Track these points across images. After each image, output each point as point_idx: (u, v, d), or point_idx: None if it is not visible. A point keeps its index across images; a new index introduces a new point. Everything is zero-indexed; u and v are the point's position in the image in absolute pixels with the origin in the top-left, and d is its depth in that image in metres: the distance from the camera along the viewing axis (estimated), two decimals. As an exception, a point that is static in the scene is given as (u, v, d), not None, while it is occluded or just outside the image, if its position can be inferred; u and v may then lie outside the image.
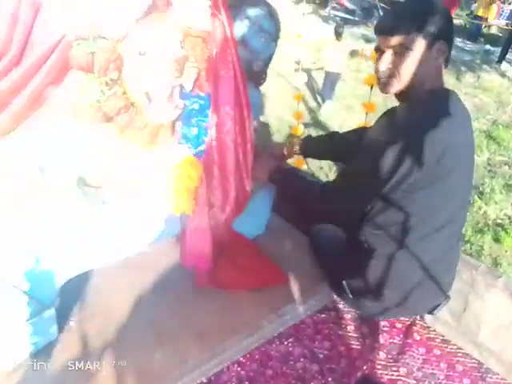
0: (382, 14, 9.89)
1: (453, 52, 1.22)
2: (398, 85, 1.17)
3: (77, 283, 1.25)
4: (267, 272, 1.43)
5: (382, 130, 1.29)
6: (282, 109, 4.12)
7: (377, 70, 1.20)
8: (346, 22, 8.37)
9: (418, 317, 1.36)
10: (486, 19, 9.21)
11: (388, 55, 1.16)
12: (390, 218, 1.19)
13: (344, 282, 1.31)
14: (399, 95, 1.23)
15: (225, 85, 1.32)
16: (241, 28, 1.35)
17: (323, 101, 4.84)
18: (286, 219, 1.75)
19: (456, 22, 10.27)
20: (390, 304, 1.25)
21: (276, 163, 1.53)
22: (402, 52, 1.13)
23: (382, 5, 10.51)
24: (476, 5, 9.53)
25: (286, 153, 1.62)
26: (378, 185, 1.15)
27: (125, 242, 1.22)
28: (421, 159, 1.06)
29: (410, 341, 1.28)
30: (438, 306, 1.25)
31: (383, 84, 1.20)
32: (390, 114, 1.32)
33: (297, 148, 1.61)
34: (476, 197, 3.14)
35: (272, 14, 1.42)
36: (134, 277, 1.36)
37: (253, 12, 1.37)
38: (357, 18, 10.05)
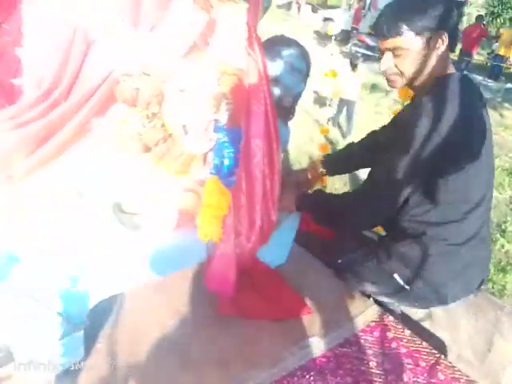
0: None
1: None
2: (403, 81, 1.21)
3: (104, 304, 1.28)
4: (291, 302, 1.44)
5: (403, 122, 1.30)
6: (300, 139, 4.19)
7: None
8: (367, 57, 8.56)
9: (442, 356, 1.35)
10: (508, 58, 9.30)
11: (388, 56, 1.20)
12: (426, 207, 1.21)
13: (396, 275, 1.28)
14: (411, 86, 1.26)
15: (256, 119, 1.39)
16: (274, 67, 1.42)
17: (342, 130, 4.97)
18: (308, 250, 1.77)
19: (477, 60, 10.39)
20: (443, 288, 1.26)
21: (302, 191, 1.57)
22: (399, 52, 1.17)
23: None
24: (497, 44, 9.65)
25: (310, 177, 1.65)
26: (410, 174, 1.16)
27: (155, 265, 1.26)
28: (444, 141, 1.09)
29: (434, 380, 1.26)
30: (483, 282, 1.27)
31: (389, 81, 1.25)
32: (406, 108, 1.37)
33: (321, 169, 1.64)
34: (498, 235, 3.09)
35: (304, 55, 1.49)
36: (160, 300, 1.38)
37: (286, 52, 1.44)
38: (377, 54, 10.26)
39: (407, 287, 1.29)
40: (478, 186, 1.20)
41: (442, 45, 1.16)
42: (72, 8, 1.01)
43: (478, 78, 8.72)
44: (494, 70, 9.58)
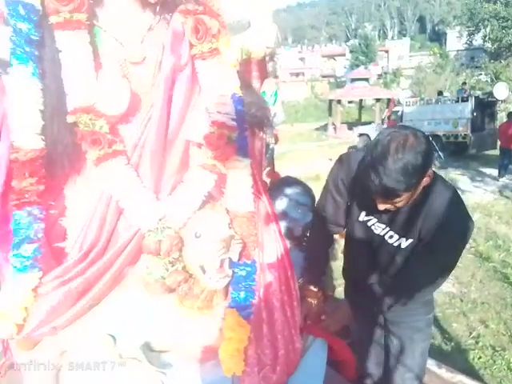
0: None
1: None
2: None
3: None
4: None
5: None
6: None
7: None
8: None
9: None
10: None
11: (385, 205, 1.44)
12: None
13: None
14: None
15: (269, 251, 1.53)
16: (281, 204, 1.62)
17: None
18: (344, 376, 1.73)
19: None
20: None
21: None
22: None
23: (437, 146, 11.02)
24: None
25: (313, 302, 1.73)
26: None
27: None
28: None
29: None
30: None
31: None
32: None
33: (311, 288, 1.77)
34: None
35: (307, 191, 1.69)
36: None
37: (290, 190, 1.65)
38: None
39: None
40: None
41: (430, 178, 1.42)
42: (106, 188, 1.29)
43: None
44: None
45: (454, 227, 1.43)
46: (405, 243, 1.57)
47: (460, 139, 12.54)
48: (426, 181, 1.41)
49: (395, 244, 1.58)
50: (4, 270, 1.27)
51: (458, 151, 12.64)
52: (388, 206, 1.44)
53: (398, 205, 1.43)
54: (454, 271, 4.47)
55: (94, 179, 1.30)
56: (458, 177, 9.72)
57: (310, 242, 1.89)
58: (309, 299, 1.73)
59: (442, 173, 9.50)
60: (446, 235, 1.43)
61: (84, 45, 1.23)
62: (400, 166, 1.31)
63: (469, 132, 12.25)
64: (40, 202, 1.23)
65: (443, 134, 12.83)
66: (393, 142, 1.33)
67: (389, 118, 14.84)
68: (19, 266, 1.21)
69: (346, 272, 1.89)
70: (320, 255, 1.80)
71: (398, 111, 14.78)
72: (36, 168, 1.20)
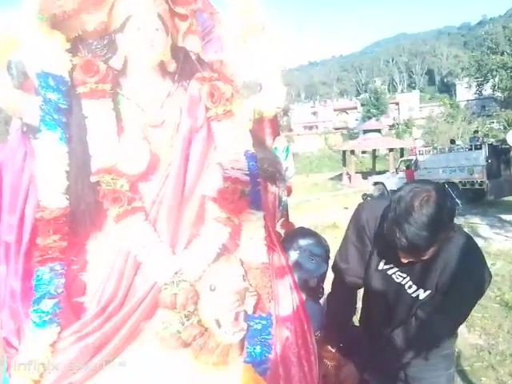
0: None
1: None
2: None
3: None
4: None
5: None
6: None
7: None
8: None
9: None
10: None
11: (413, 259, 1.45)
12: None
13: None
14: None
15: (284, 303, 1.53)
16: (294, 255, 1.64)
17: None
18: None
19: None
20: None
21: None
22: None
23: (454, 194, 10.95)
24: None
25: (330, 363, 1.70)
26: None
27: None
28: None
29: None
30: None
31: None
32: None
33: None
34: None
35: (320, 241, 1.72)
36: None
37: (303, 241, 1.68)
38: None
39: None
40: None
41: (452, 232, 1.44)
42: (125, 243, 1.34)
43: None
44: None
45: (471, 278, 1.43)
46: (423, 295, 1.56)
47: (477, 186, 12.46)
48: (449, 234, 1.42)
49: (413, 295, 1.57)
50: (24, 326, 1.30)
51: (475, 198, 12.53)
52: (412, 259, 1.45)
53: (423, 258, 1.43)
54: (480, 322, 4.29)
55: (114, 235, 1.36)
56: (477, 224, 9.54)
57: (330, 297, 1.86)
58: (326, 361, 1.68)
59: (461, 220, 9.40)
60: (462, 287, 1.42)
61: (108, 111, 1.35)
62: (425, 223, 1.31)
63: (485, 179, 12.19)
64: (62, 257, 1.29)
65: (459, 181, 12.79)
66: (416, 198, 1.33)
67: (407, 167, 14.93)
68: (38, 321, 1.24)
69: (363, 324, 1.85)
70: (340, 311, 1.77)
71: (412, 160, 14.89)
72: (60, 225, 1.27)
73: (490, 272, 1.51)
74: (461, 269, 1.44)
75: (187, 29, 1.52)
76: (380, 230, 1.51)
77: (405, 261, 1.45)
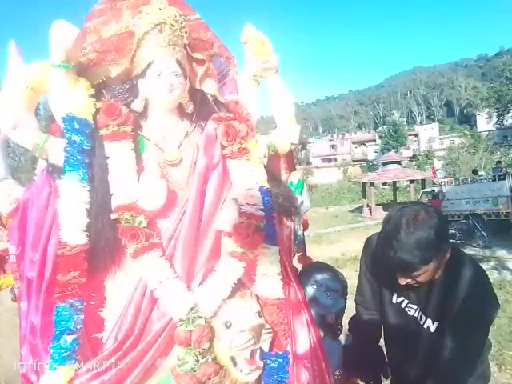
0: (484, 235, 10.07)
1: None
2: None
3: None
4: None
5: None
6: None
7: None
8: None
9: None
10: None
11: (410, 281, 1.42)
12: None
13: None
14: None
15: (301, 341, 1.51)
16: (311, 290, 1.62)
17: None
18: None
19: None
20: None
21: None
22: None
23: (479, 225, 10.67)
24: None
25: None
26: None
27: None
28: None
29: None
30: None
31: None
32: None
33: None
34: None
35: (337, 276, 1.70)
36: None
37: (320, 276, 1.66)
38: (458, 241, 10.19)
39: None
40: None
41: (448, 253, 1.40)
42: (142, 279, 1.36)
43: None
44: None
45: (475, 304, 1.39)
46: (432, 326, 1.53)
47: (502, 217, 12.09)
48: (444, 256, 1.40)
49: (425, 326, 1.54)
50: (43, 362, 1.31)
51: (501, 229, 12.12)
52: (409, 281, 1.43)
53: (419, 279, 1.42)
54: (511, 360, 4.05)
55: (132, 271, 1.38)
56: (504, 256, 9.20)
57: (352, 333, 1.88)
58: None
59: (487, 252, 9.08)
60: (469, 316, 1.39)
61: (129, 152, 1.41)
62: (413, 240, 1.36)
63: (510, 209, 11.84)
64: (81, 293, 1.31)
65: (484, 213, 12.45)
66: (404, 216, 1.40)
67: (433, 197, 14.69)
68: (57, 357, 1.26)
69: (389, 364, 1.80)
70: (363, 348, 1.74)
71: (434, 191, 14.64)
72: (79, 262, 1.31)
73: (497, 299, 1.47)
74: (464, 295, 1.41)
75: (204, 72, 1.60)
76: (382, 259, 1.52)
77: (403, 282, 1.44)
